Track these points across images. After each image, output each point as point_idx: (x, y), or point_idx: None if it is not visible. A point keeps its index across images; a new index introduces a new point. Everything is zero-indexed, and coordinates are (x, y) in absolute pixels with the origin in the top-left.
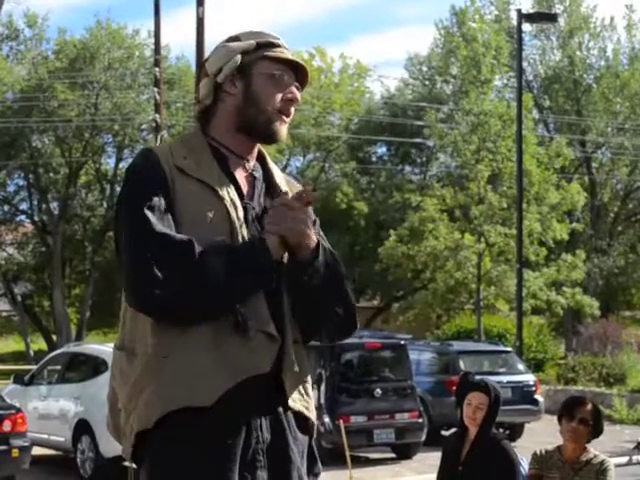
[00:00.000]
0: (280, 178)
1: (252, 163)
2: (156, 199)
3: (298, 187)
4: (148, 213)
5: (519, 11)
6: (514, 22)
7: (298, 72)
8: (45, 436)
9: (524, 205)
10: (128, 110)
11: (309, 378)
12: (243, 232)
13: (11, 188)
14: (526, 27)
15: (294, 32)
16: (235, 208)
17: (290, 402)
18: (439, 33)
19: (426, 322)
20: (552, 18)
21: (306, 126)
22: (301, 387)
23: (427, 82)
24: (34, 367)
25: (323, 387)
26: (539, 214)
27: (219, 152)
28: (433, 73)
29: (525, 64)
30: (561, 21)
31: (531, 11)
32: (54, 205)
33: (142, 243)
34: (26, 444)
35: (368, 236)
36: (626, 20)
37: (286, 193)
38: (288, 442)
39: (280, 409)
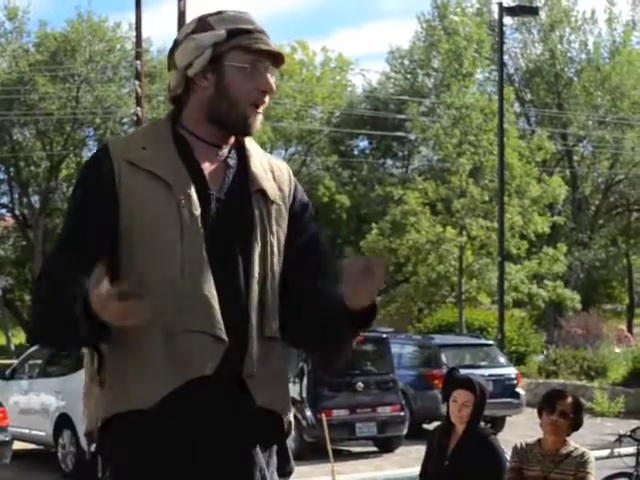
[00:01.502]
0: (259, 163)
1: (226, 150)
2: (93, 204)
3: (281, 166)
4: (74, 224)
5: (500, 4)
6: (495, 15)
7: (273, 57)
8: (26, 430)
9: (505, 198)
10: (109, 103)
11: (285, 374)
12: (195, 225)
13: None
14: (507, 20)
15: (275, 25)
16: (188, 201)
17: (259, 401)
18: (421, 26)
19: (408, 315)
20: (533, 11)
21: (288, 119)
22: (276, 384)
23: (409, 75)
24: (15, 361)
25: (305, 381)
26: (520, 207)
27: (185, 141)
28: (415, 66)
29: (506, 57)
30: (542, 14)
31: (512, 4)
32: (35, 199)
33: (50, 256)
34: (7, 439)
35: (350, 229)
36: (607, 14)
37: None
38: (250, 443)
39: (245, 409)
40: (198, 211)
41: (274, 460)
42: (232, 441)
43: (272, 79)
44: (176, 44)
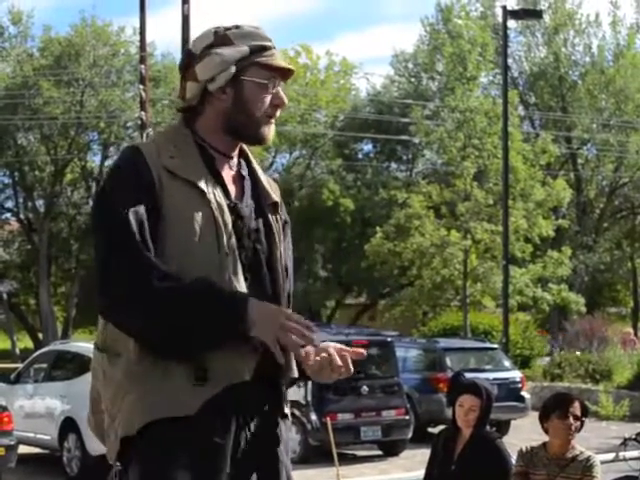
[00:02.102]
0: (262, 174)
1: (236, 160)
2: (139, 206)
3: (273, 182)
4: (129, 222)
5: (504, 8)
6: (499, 19)
7: (284, 71)
8: (31, 434)
9: (510, 202)
10: (114, 108)
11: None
12: (229, 234)
13: None
14: (511, 24)
15: (278, 29)
16: (221, 210)
17: (285, 405)
18: (425, 30)
19: (412, 319)
20: (537, 15)
21: (292, 123)
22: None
23: (413, 79)
24: (20, 365)
25: (310, 385)
26: (525, 211)
27: (206, 151)
28: (419, 70)
29: (510, 61)
30: (546, 18)
31: (516, 8)
32: (40, 203)
33: (114, 253)
34: (12, 443)
35: (354, 233)
36: (611, 17)
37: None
38: (278, 442)
39: (272, 410)
40: (229, 219)
41: (288, 457)
42: (265, 442)
43: (283, 93)
44: (193, 56)
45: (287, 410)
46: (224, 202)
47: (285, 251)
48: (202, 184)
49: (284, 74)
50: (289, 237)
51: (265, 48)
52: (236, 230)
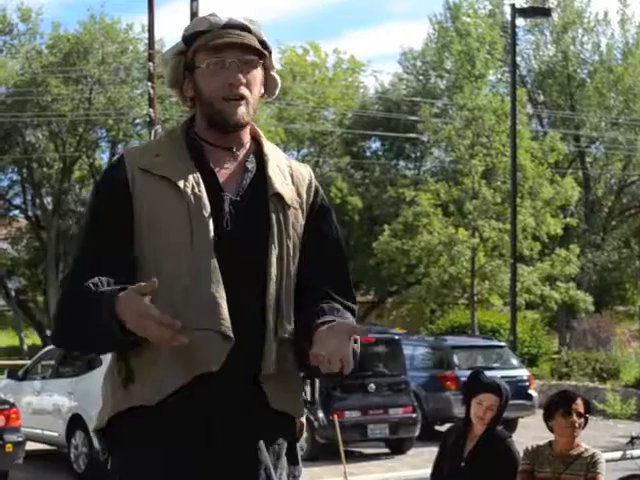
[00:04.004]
0: (277, 167)
1: (243, 152)
2: (106, 216)
3: (303, 171)
4: (90, 235)
5: (513, 6)
6: (508, 17)
7: (241, 48)
8: (39, 431)
9: (518, 200)
10: (122, 105)
11: (297, 375)
12: (206, 231)
13: (4, 183)
14: (520, 22)
15: (286, 27)
16: (200, 206)
17: (273, 404)
18: (433, 28)
19: (420, 317)
20: (546, 13)
21: (300, 121)
22: (289, 386)
23: (421, 77)
24: (28, 362)
25: (317, 382)
26: (533, 209)
27: (196, 145)
28: (427, 68)
29: (519, 59)
30: (555, 16)
31: (525, 6)
32: (48, 200)
33: (72, 264)
34: (20, 439)
35: (362, 231)
36: (620, 15)
37: (278, 196)
38: (258, 442)
39: (256, 408)
40: (208, 212)
41: (284, 462)
42: (238, 439)
43: (238, 72)
44: None
45: (283, 407)
46: (204, 194)
47: (292, 238)
48: (179, 179)
49: (246, 51)
50: (322, 224)
51: (202, 32)
52: (220, 221)
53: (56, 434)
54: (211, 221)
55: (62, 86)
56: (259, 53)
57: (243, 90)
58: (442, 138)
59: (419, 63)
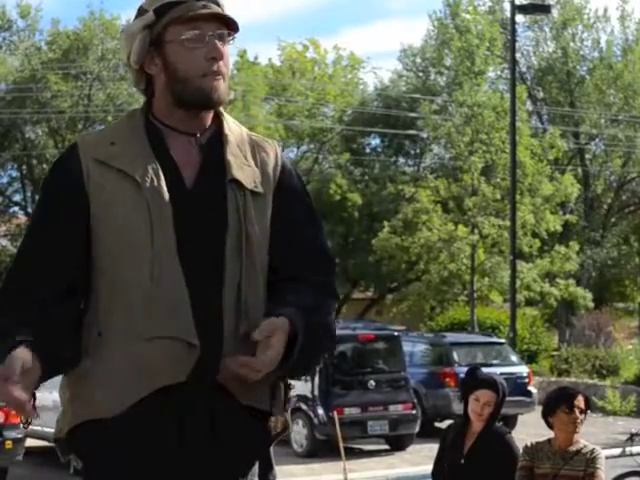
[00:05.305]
0: (236, 148)
1: (205, 136)
2: (56, 214)
3: (268, 149)
4: (36, 235)
5: (512, 2)
6: (508, 13)
7: (219, 20)
8: (39, 428)
9: (517, 197)
10: (121, 101)
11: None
12: (166, 223)
13: (4, 179)
14: (519, 18)
15: (285, 23)
16: (159, 197)
17: (243, 400)
18: (432, 24)
19: (420, 313)
20: (546, 9)
21: (300, 117)
22: (257, 384)
23: (421, 74)
24: None
25: (317, 379)
26: (532, 205)
27: (157, 132)
28: (427, 65)
29: (518, 55)
30: (554, 12)
31: (524, 2)
32: None
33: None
34: (19, 436)
35: (362, 227)
36: (619, 11)
37: (235, 182)
38: (224, 447)
39: (226, 413)
40: (169, 210)
41: (255, 468)
42: (207, 450)
43: (221, 44)
44: None
45: (252, 402)
46: (164, 189)
47: (257, 224)
48: (137, 173)
49: (225, 23)
50: (289, 203)
51: (177, 3)
52: (179, 217)
53: None
54: (171, 220)
55: (61, 82)
56: (235, 28)
57: (222, 66)
58: (442, 135)
59: (419, 60)
